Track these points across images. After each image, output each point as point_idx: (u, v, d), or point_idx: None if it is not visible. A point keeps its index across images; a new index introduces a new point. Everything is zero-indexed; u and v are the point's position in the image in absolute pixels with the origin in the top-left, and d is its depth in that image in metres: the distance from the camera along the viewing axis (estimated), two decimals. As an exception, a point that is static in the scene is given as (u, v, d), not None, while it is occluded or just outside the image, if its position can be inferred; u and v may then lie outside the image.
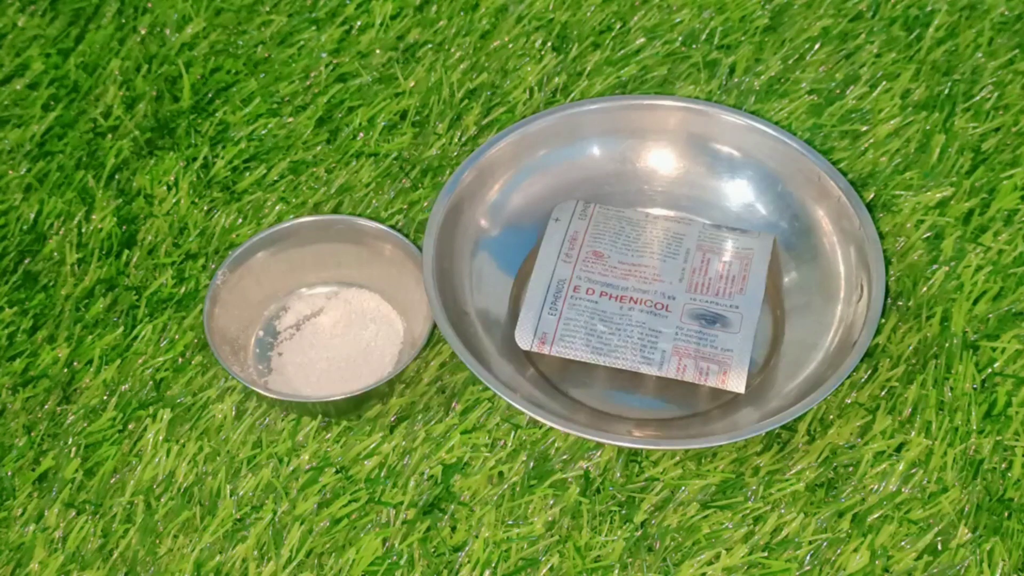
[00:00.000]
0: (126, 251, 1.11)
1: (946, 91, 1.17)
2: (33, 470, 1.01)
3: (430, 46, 1.20)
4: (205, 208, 1.13)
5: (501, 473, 1.00)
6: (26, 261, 1.10)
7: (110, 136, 1.16)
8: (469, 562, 0.97)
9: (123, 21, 1.22)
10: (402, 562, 0.97)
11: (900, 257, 1.09)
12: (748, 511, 0.98)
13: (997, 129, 1.15)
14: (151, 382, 1.04)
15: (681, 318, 1.03)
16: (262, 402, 1.03)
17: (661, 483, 0.99)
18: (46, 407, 1.04)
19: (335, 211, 1.12)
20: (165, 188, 1.14)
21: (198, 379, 1.04)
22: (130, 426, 1.03)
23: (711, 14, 1.21)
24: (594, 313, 1.03)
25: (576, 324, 1.03)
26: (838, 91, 1.17)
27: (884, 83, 1.17)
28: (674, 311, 1.03)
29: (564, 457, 1.01)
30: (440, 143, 1.15)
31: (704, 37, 1.20)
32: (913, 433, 1.01)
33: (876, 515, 0.98)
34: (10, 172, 1.15)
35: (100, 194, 1.13)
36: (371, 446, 1.01)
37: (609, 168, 1.12)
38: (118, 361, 1.05)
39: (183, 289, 1.09)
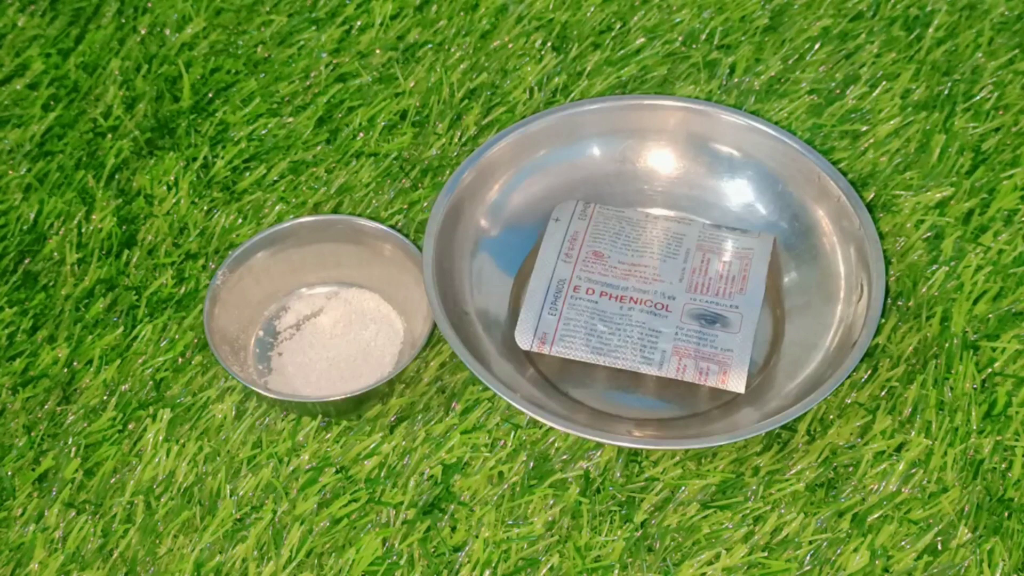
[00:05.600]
0: (126, 251, 1.11)
1: (946, 91, 1.17)
2: (33, 470, 1.01)
3: (430, 46, 1.20)
4: (205, 208, 1.13)
5: (501, 473, 1.00)
6: (26, 261, 1.10)
7: (110, 136, 1.16)
8: (469, 562, 0.97)
9: (123, 21, 1.22)
10: (402, 562, 0.97)
11: (900, 257, 1.09)
12: (748, 511, 0.98)
13: (997, 129, 1.15)
14: (151, 382, 1.04)
15: (681, 318, 1.03)
16: (262, 402, 1.03)
17: (661, 483, 0.99)
18: (46, 407, 1.04)
19: (335, 211, 1.12)
20: (165, 188, 1.14)
21: (198, 379, 1.04)
22: (130, 426, 1.03)
23: (711, 14, 1.21)
24: (594, 313, 1.03)
25: (576, 324, 1.03)
26: (838, 91, 1.17)
27: (884, 83, 1.17)
28: (674, 311, 1.03)
29: (564, 457, 1.01)
30: (440, 143, 1.15)
31: (704, 37, 1.20)
32: (913, 433, 1.01)
33: (876, 515, 0.98)
34: (10, 172, 1.15)
35: (100, 194, 1.13)
36: (371, 446, 1.01)
37: (609, 168, 1.12)
38: (118, 361, 1.05)
39: (183, 289, 1.09)
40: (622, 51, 1.19)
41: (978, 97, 1.16)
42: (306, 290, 1.09)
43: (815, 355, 1.03)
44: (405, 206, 1.12)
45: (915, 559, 0.96)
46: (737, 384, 1.01)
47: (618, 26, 1.21)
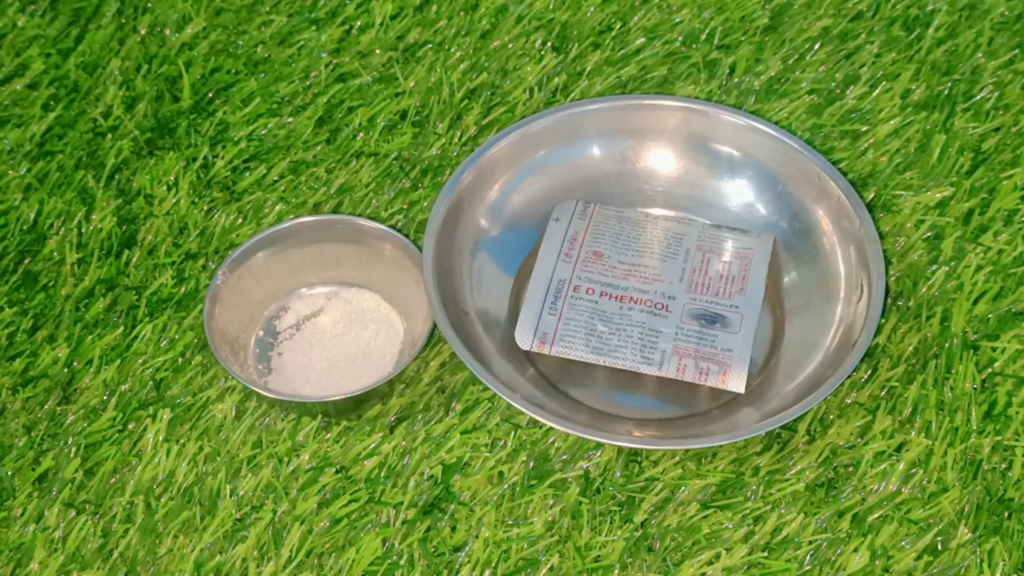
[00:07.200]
0: (126, 251, 1.11)
1: (946, 91, 1.17)
2: (33, 470, 1.01)
3: (430, 46, 1.20)
4: (205, 208, 1.13)
5: (501, 473, 1.00)
6: (26, 261, 1.10)
7: (110, 136, 1.16)
8: (469, 562, 0.97)
9: (123, 21, 1.22)
10: (402, 562, 0.97)
11: (900, 257, 1.09)
12: (748, 511, 0.98)
13: (997, 129, 1.15)
14: (151, 382, 1.04)
15: (681, 318, 1.03)
16: (262, 402, 1.03)
17: (661, 483, 0.99)
18: (46, 407, 1.04)
19: (335, 211, 1.12)
20: (165, 188, 1.14)
21: (198, 379, 1.04)
22: (130, 426, 1.03)
23: (711, 14, 1.21)
24: (594, 313, 1.03)
25: (576, 324, 1.03)
26: (838, 91, 1.17)
27: (884, 83, 1.17)
28: (674, 311, 1.03)
29: (564, 457, 1.01)
30: (440, 143, 1.15)
31: (704, 37, 1.20)
32: (913, 433, 1.01)
33: (876, 515, 0.98)
34: (10, 172, 1.15)
35: (100, 194, 1.13)
36: (371, 446, 1.01)
37: (609, 168, 1.12)
38: (118, 361, 1.05)
39: (183, 289, 1.09)
40: (622, 51, 1.19)
41: (978, 97, 1.16)
42: (306, 290, 1.09)
43: (815, 355, 1.03)
44: (405, 206, 1.12)
45: (915, 559, 0.96)
46: (737, 384, 1.01)
47: (618, 26, 1.21)
